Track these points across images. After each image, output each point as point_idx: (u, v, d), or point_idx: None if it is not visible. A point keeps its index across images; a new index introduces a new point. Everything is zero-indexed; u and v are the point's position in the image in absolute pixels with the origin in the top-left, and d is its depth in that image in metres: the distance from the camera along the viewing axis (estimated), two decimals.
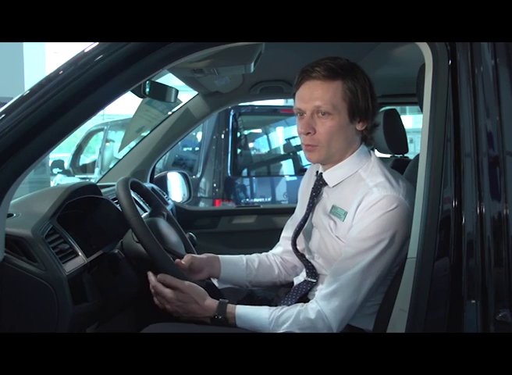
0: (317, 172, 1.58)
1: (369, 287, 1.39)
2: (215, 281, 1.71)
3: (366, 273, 1.37)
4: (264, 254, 1.78)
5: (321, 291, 1.42)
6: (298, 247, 1.62)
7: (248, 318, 1.41)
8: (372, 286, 1.39)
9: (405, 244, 1.35)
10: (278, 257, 1.76)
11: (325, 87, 1.42)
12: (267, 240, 1.92)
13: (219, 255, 1.71)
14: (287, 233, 1.74)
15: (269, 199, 4.75)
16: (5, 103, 1.19)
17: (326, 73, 1.41)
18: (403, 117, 2.22)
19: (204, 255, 1.67)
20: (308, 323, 1.38)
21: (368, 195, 1.40)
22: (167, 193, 2.71)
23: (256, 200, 4.68)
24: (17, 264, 1.24)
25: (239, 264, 1.71)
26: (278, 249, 1.78)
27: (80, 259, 1.47)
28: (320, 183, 1.54)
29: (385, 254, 1.37)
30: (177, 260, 1.55)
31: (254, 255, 1.76)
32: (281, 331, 1.38)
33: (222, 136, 4.60)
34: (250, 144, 5.14)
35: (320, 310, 1.38)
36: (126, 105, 4.44)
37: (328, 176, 1.51)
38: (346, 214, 1.43)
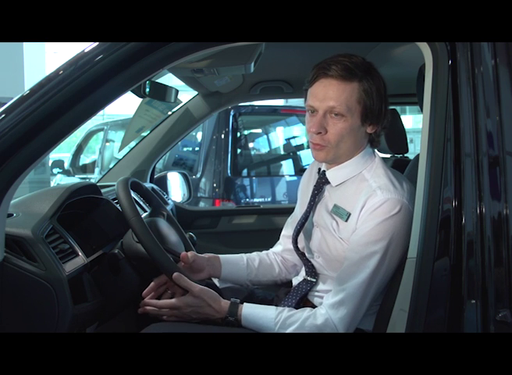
0: (319, 169, 1.57)
1: (375, 292, 1.39)
2: (215, 281, 1.71)
3: (372, 279, 1.37)
4: (264, 252, 1.78)
5: (328, 299, 1.41)
6: (298, 245, 1.62)
7: (254, 318, 1.41)
8: (378, 290, 1.40)
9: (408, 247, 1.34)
10: (278, 255, 1.76)
11: (341, 88, 1.39)
12: (267, 240, 1.92)
13: (220, 255, 1.70)
14: (287, 231, 1.74)
15: (269, 199, 4.74)
16: (5, 103, 1.19)
17: (344, 73, 1.38)
18: (403, 117, 2.22)
19: (205, 255, 1.67)
20: (315, 329, 1.38)
21: (372, 197, 1.39)
22: (167, 193, 2.71)
23: (256, 200, 4.68)
24: (17, 264, 1.25)
25: (239, 263, 1.70)
26: (278, 248, 1.78)
27: (80, 259, 1.47)
28: (322, 182, 1.53)
29: (389, 259, 1.37)
30: (183, 253, 1.55)
31: (255, 254, 1.76)
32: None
33: (222, 136, 4.59)
34: (250, 144, 5.14)
35: (328, 318, 1.38)
36: (126, 105, 4.44)
37: (332, 175, 1.50)
38: (350, 215, 1.42)
